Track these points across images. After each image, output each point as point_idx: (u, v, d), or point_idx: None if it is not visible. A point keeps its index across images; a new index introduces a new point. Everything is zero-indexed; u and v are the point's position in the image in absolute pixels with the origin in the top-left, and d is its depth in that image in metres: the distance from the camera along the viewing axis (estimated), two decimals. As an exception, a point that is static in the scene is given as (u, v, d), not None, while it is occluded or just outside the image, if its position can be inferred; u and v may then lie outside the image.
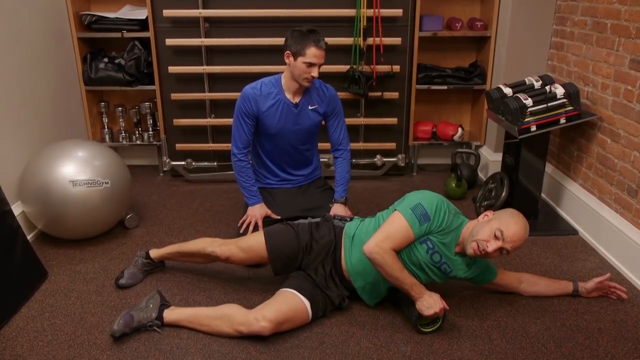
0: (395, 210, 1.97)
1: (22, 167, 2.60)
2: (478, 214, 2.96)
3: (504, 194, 2.84)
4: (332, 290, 2.08)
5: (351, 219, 2.20)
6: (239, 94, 2.51)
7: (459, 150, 3.51)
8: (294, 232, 2.12)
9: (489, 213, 1.96)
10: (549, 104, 2.64)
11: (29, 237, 2.55)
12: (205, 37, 3.24)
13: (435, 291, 1.99)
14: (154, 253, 2.34)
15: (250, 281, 2.33)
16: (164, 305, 2.04)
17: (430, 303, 1.92)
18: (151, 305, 2.01)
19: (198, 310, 2.03)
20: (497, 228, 1.87)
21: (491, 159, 3.44)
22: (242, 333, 1.91)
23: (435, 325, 1.99)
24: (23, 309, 2.14)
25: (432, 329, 1.99)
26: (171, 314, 2.01)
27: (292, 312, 1.95)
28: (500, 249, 1.87)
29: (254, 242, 2.14)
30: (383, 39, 3.21)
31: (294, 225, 2.16)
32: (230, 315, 1.94)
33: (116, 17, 3.28)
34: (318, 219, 2.20)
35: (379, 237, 1.92)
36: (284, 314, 1.92)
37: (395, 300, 2.12)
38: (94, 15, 3.27)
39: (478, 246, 1.87)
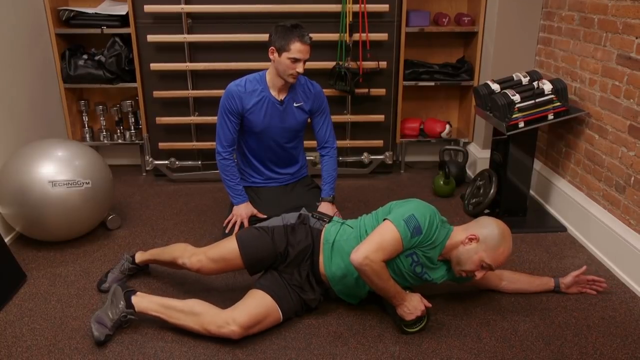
0: (384, 219, 1.91)
1: (-1, 168, 2.54)
2: (466, 212, 2.97)
3: (492, 191, 2.83)
4: (307, 293, 2.04)
5: (330, 220, 2.13)
6: (222, 91, 2.47)
7: (447, 147, 3.51)
8: (269, 238, 2.04)
9: (474, 237, 1.89)
10: (537, 100, 2.63)
11: (6, 240, 2.51)
12: (188, 33, 3.19)
13: (420, 291, 1.98)
14: (139, 257, 2.30)
15: (235, 283, 2.29)
16: (129, 292, 1.99)
17: (410, 308, 1.92)
18: (115, 299, 1.96)
19: (168, 302, 1.96)
20: (484, 262, 1.89)
21: (479, 155, 3.43)
22: (211, 333, 1.88)
23: (420, 325, 1.98)
24: (1, 313, 2.09)
25: (417, 329, 1.97)
26: (141, 301, 1.96)
27: (263, 315, 1.92)
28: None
29: (227, 251, 2.04)
30: (369, 34, 3.18)
31: (268, 230, 2.06)
32: (200, 314, 1.90)
33: (95, 13, 3.22)
34: (294, 222, 2.10)
35: (370, 247, 1.84)
36: (254, 317, 1.89)
37: (381, 301, 2.10)
38: (72, 11, 3.21)
39: (466, 274, 1.94)
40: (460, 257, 1.91)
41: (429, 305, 1.95)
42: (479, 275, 1.92)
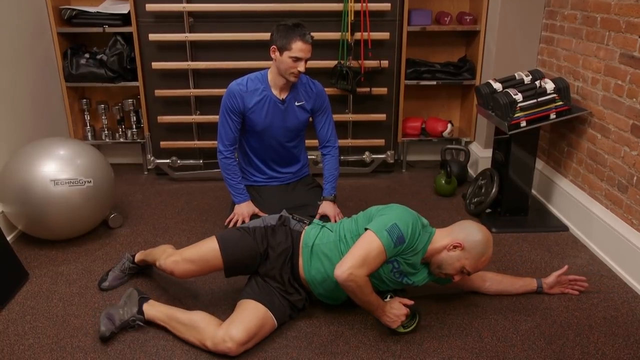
0: (366, 228, 1.87)
1: (1, 167, 2.55)
2: (468, 211, 2.97)
3: (494, 190, 2.83)
4: (293, 295, 2.01)
5: (310, 222, 2.11)
6: (224, 90, 2.47)
7: (449, 146, 3.50)
8: (251, 239, 2.00)
9: (459, 244, 1.88)
10: (539, 99, 2.62)
11: (8, 238, 2.51)
12: (190, 32, 3.19)
13: (416, 291, 1.99)
14: (138, 257, 2.30)
15: (236, 281, 2.28)
16: (143, 298, 2.01)
17: (391, 316, 1.92)
18: (129, 302, 1.98)
19: (173, 312, 1.96)
20: (466, 269, 1.90)
21: (481, 155, 3.42)
22: (208, 349, 1.84)
23: (413, 324, 1.97)
24: (3, 311, 2.09)
25: (411, 328, 1.97)
26: (151, 309, 1.98)
27: (259, 326, 1.87)
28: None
29: (206, 250, 1.99)
30: (371, 33, 3.18)
31: (249, 231, 2.03)
32: (199, 328, 1.87)
33: (97, 12, 3.23)
34: (274, 223, 2.07)
35: (354, 262, 1.80)
36: (251, 330, 1.84)
37: None
38: (74, 10, 3.21)
39: (445, 276, 1.95)
40: (442, 263, 1.91)
41: (410, 302, 1.93)
42: (457, 278, 1.93)
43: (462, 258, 1.88)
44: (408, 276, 1.95)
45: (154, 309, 1.98)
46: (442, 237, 1.93)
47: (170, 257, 2.01)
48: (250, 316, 1.88)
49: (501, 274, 2.25)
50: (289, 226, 2.07)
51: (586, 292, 2.23)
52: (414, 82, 3.43)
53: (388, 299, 1.96)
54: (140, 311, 1.96)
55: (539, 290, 2.20)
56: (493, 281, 2.18)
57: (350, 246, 1.90)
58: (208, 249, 1.99)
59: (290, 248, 2.01)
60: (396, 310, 1.91)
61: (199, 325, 1.88)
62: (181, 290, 2.24)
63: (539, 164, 3.11)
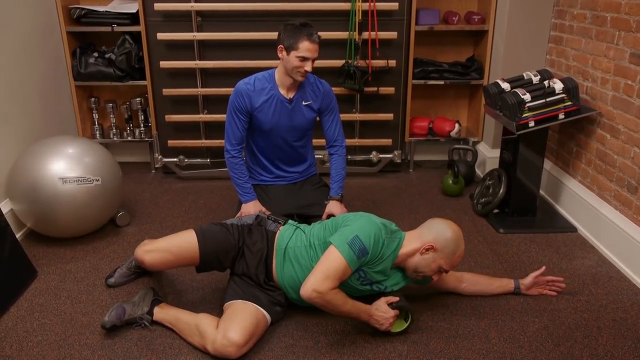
0: (330, 242, 1.84)
1: (11, 164, 2.56)
2: (475, 211, 2.96)
3: (501, 190, 2.82)
4: (273, 291, 2.01)
5: (285, 223, 2.09)
6: (232, 89, 2.47)
7: (456, 146, 3.49)
8: (230, 234, 2.01)
9: (430, 246, 1.87)
10: (548, 99, 2.61)
11: (17, 236, 2.52)
12: (198, 32, 3.20)
13: (413, 291, 1.99)
14: None
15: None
16: (157, 300, 2.03)
17: (378, 319, 1.90)
18: (144, 300, 2.01)
19: (180, 315, 1.97)
20: (443, 268, 1.90)
21: (489, 155, 3.41)
22: (209, 352, 1.83)
23: (406, 323, 1.95)
24: (12, 308, 2.11)
25: (404, 327, 1.96)
26: (160, 311, 2.00)
27: (255, 325, 1.86)
28: None
29: (182, 241, 1.99)
30: (379, 33, 3.17)
31: (227, 227, 2.03)
32: (202, 331, 1.86)
33: (106, 11, 3.24)
34: (251, 223, 2.07)
35: (317, 279, 1.77)
36: (248, 330, 1.83)
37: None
38: (83, 9, 3.24)
39: (423, 277, 1.96)
40: (418, 266, 1.90)
41: (395, 299, 1.92)
42: (435, 278, 1.94)
43: (437, 259, 1.88)
44: (379, 282, 1.94)
45: (163, 312, 2.00)
46: (412, 241, 1.91)
47: (143, 247, 2.03)
48: (243, 316, 1.87)
49: (478, 274, 2.24)
50: (264, 227, 2.06)
51: (595, 293, 2.22)
52: (421, 81, 3.42)
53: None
54: (150, 312, 1.99)
55: (516, 291, 2.19)
56: (470, 282, 2.17)
57: (318, 255, 1.90)
58: (184, 239, 1.99)
59: (265, 249, 2.00)
60: (383, 312, 1.89)
61: (201, 329, 1.87)
62: (187, 289, 2.24)
63: (547, 165, 3.09)
